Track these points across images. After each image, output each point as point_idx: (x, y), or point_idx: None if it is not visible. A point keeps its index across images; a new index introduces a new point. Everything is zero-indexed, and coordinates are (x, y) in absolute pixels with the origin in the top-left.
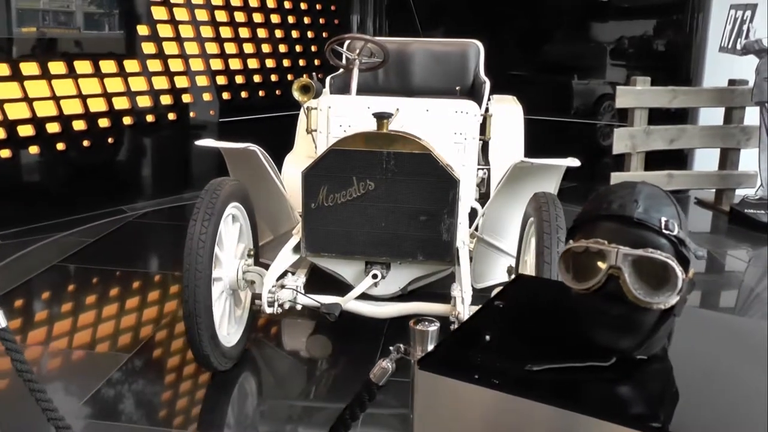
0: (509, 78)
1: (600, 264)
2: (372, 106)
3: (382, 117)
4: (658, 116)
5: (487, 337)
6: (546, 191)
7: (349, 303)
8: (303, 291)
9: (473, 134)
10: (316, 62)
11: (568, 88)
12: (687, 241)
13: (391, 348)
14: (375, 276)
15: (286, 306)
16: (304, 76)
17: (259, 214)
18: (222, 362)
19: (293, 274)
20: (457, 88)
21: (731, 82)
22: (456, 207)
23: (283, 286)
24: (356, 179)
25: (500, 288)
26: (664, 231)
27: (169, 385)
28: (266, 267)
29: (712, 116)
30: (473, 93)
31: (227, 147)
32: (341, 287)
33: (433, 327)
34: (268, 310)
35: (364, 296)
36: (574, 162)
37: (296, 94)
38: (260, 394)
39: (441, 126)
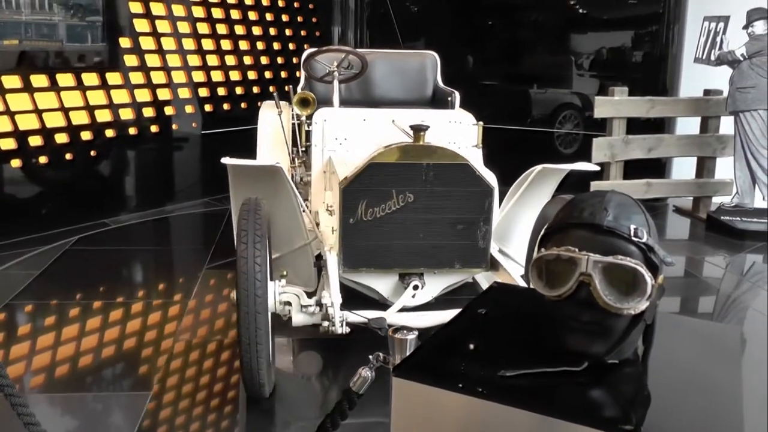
0: (482, 88)
1: (571, 271)
2: (367, 118)
3: (419, 129)
4: (636, 126)
5: (471, 346)
6: (564, 195)
7: (393, 316)
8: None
9: (467, 143)
10: (298, 74)
11: (545, 98)
12: (656, 247)
13: (370, 357)
14: (416, 287)
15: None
16: (276, 88)
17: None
18: (270, 389)
19: (313, 292)
20: (449, 98)
21: (706, 92)
22: (491, 214)
23: (320, 304)
24: (395, 192)
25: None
26: (633, 238)
27: (210, 422)
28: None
29: (688, 125)
30: (434, 103)
31: (253, 165)
32: (358, 300)
33: (412, 335)
34: (339, 331)
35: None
36: (593, 166)
37: (296, 108)
38: (294, 415)
39: (437, 136)
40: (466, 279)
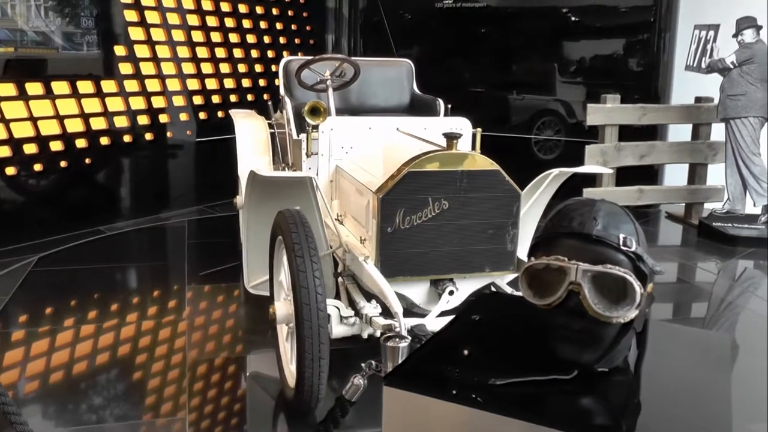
0: (475, 95)
1: (560, 280)
2: (373, 126)
3: (452, 137)
4: (628, 133)
5: (465, 352)
6: (581, 198)
7: (431, 322)
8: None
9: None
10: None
11: (536, 105)
12: (645, 256)
13: (363, 364)
14: (451, 293)
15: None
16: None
17: None
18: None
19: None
20: (449, 106)
21: (698, 99)
22: (518, 218)
23: (359, 315)
24: (432, 200)
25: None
26: (622, 247)
27: None
28: None
29: (680, 132)
30: (412, 110)
31: (287, 176)
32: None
33: (404, 343)
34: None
35: (414, 314)
36: (605, 169)
37: (308, 118)
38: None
39: (439, 142)
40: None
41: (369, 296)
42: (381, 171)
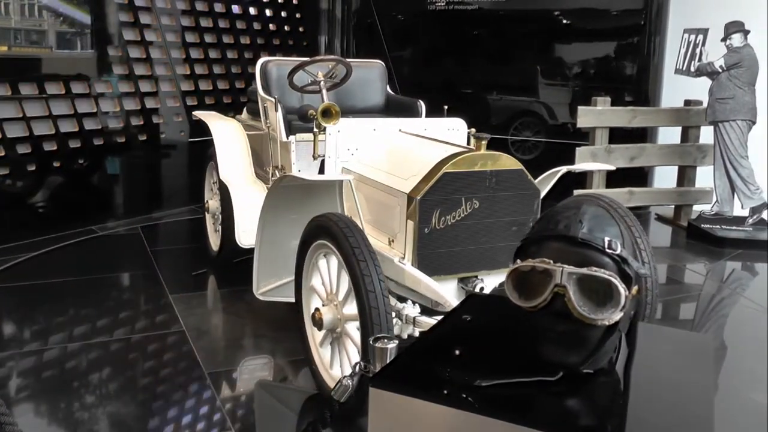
0: (462, 96)
1: (546, 282)
2: (377, 128)
3: (481, 138)
4: (618, 135)
5: (452, 354)
6: (591, 194)
7: None
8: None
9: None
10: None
11: (528, 107)
12: (630, 259)
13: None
14: (482, 289)
15: None
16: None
17: None
18: None
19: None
20: (446, 107)
21: (687, 102)
22: (538, 214)
23: (399, 316)
24: (464, 199)
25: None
26: (607, 250)
27: None
28: None
29: (669, 135)
30: (388, 111)
31: (325, 180)
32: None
33: (392, 344)
34: None
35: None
36: (609, 166)
37: (321, 120)
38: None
39: (438, 143)
40: None
41: (399, 298)
42: (385, 171)
